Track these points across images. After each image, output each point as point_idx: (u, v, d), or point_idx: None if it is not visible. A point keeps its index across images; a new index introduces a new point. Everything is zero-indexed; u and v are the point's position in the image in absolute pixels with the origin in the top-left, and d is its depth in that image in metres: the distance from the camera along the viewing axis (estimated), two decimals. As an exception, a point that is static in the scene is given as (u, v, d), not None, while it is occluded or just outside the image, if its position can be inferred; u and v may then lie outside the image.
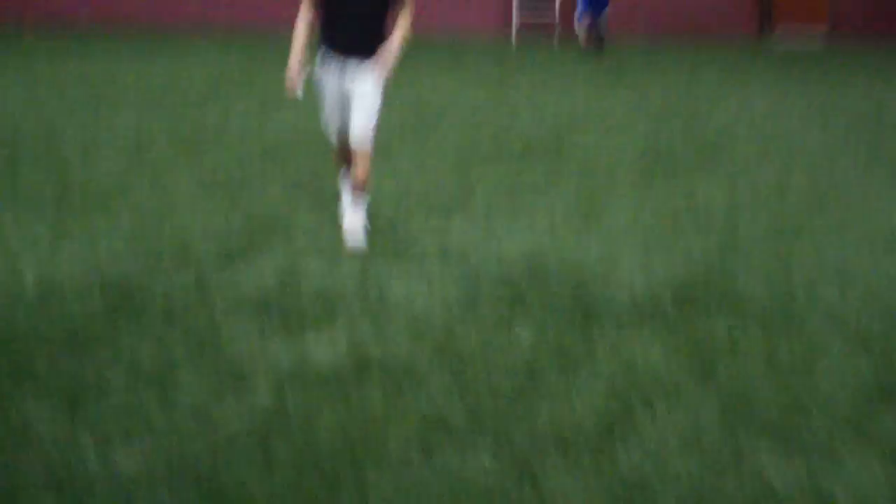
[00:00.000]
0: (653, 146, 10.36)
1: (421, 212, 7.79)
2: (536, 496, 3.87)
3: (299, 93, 6.99)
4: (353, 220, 7.11)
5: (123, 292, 6.05)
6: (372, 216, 7.55)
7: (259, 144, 10.07)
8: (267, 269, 6.48)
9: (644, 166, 9.49)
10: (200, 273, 6.40)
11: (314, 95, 7.61)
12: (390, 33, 7.03)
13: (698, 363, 5.19)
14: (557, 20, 20.57)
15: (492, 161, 9.51)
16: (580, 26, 18.91)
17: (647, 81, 14.91)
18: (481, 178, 8.85)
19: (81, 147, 9.81)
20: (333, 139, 7.28)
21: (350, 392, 4.77)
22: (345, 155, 7.23)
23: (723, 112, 12.38)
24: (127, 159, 9.35)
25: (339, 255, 6.82)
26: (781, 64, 17.08)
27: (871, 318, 5.85)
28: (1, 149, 9.66)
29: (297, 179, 8.76)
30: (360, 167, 7.04)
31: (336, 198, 7.78)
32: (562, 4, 20.45)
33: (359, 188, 7.11)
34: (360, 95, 6.96)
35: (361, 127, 6.97)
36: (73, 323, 5.60)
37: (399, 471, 4.03)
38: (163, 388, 4.77)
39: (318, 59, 7.02)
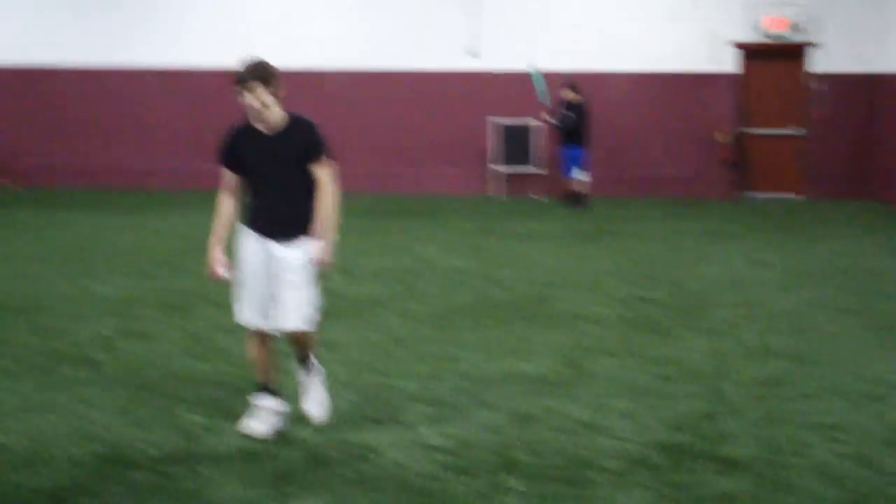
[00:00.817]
0: (637, 305, 10.48)
1: (407, 378, 7.84)
2: None
3: (224, 272, 6.43)
4: (315, 403, 6.78)
5: (111, 455, 6.09)
6: (357, 382, 7.59)
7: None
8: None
9: (629, 325, 9.59)
10: (189, 438, 6.42)
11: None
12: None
13: (692, 523, 5.21)
14: (539, 171, 20.94)
15: (475, 326, 9.59)
16: (569, 180, 19.45)
17: (630, 239, 15.12)
18: (465, 344, 8.92)
19: (68, 312, 9.86)
20: (250, 324, 6.51)
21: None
22: (262, 353, 6.58)
23: (705, 270, 12.55)
24: (114, 324, 9.39)
25: (329, 417, 6.83)
26: (759, 222, 17.36)
27: (860, 473, 5.89)
28: (-14, 315, 9.72)
29: (284, 342, 8.78)
30: (303, 345, 6.65)
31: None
32: (543, 155, 20.82)
33: (305, 357, 6.71)
34: (292, 282, 6.37)
35: (302, 315, 6.43)
36: (61, 482, 5.65)
37: None
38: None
39: (239, 237, 6.47)
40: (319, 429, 6.62)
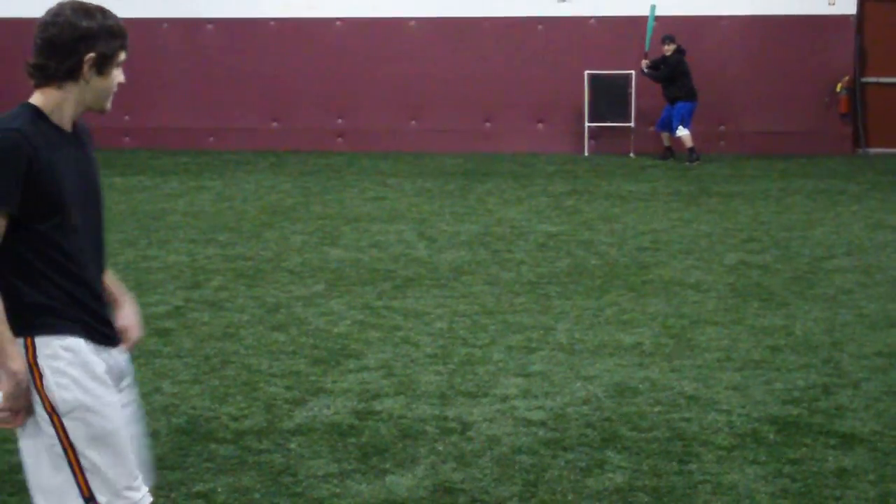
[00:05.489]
0: (744, 271, 10.63)
1: (500, 349, 8.09)
2: None
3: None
4: None
5: (193, 430, 6.40)
6: (446, 355, 7.88)
7: (321, 276, 10.44)
8: (341, 406, 6.80)
9: (736, 292, 9.75)
10: (272, 412, 6.73)
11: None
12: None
13: (807, 499, 5.41)
14: (633, 125, 20.98)
15: (571, 293, 9.81)
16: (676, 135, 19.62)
17: (734, 199, 15.21)
18: (561, 312, 9.15)
19: (135, 282, 10.23)
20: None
21: (441, 531, 5.05)
22: None
23: (818, 234, 12.64)
24: (184, 294, 9.75)
25: (417, 390, 7.11)
26: (878, 180, 17.32)
27: None
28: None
29: (364, 312, 9.09)
30: None
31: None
32: (637, 108, 20.86)
33: None
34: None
35: None
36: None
37: None
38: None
39: (60, 356, 3.85)
40: (410, 403, 6.90)
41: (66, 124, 3.90)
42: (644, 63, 19.80)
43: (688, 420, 6.58)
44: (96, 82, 3.87)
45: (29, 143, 3.74)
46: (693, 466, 5.89)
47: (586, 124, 21.23)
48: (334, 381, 7.32)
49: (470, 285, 10.13)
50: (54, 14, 3.83)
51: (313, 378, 7.40)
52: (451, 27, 21.59)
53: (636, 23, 20.45)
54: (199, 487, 5.59)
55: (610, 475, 5.78)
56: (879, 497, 5.46)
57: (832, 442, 6.21)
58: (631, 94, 20.94)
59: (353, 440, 6.26)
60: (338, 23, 21.83)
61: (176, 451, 6.10)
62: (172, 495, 5.51)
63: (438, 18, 21.62)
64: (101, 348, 3.93)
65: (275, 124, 22.25)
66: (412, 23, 21.66)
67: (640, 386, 7.22)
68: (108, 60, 3.86)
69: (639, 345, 8.19)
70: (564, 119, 21.60)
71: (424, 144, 21.34)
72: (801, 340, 8.29)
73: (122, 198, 15.68)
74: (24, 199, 3.73)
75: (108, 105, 3.96)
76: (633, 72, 20.69)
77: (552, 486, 5.65)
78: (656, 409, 6.78)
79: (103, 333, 3.95)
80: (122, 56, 3.92)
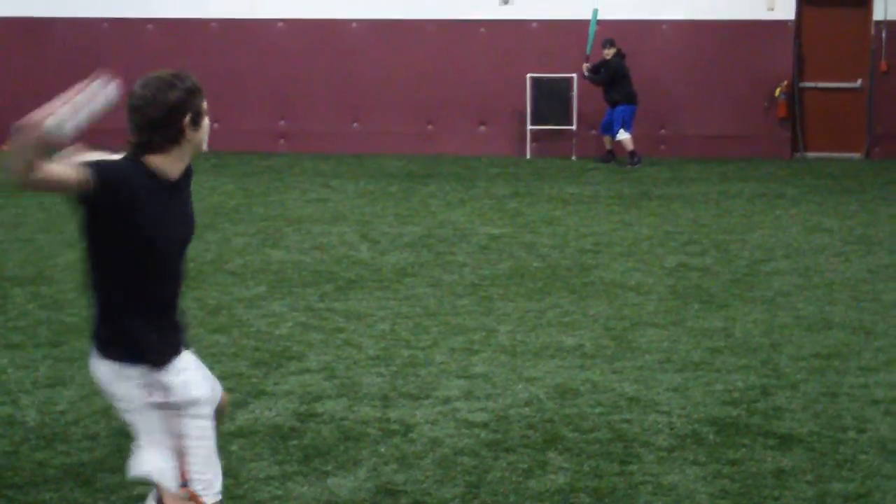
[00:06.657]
0: (684, 273, 10.70)
1: (442, 351, 8.11)
2: None
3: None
4: None
5: (131, 435, 6.34)
6: (388, 356, 7.89)
7: (263, 277, 10.41)
8: (283, 409, 6.78)
9: (676, 294, 9.82)
10: (214, 414, 6.69)
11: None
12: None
13: (746, 499, 5.46)
14: (575, 128, 21.07)
15: (513, 295, 9.84)
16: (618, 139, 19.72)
17: (674, 202, 15.31)
18: (504, 314, 9.18)
19: (75, 284, 10.15)
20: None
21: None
22: None
23: (757, 237, 12.75)
24: (124, 296, 9.66)
25: (359, 392, 7.11)
26: (815, 184, 17.49)
27: (925, 452, 6.13)
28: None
29: (306, 314, 9.07)
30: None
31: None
32: (579, 112, 20.94)
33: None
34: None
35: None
36: (82, 458, 5.95)
37: None
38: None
39: (134, 383, 4.34)
40: (352, 405, 6.89)
41: (174, 177, 4.34)
42: (585, 66, 19.89)
43: (629, 421, 6.63)
44: (194, 136, 4.31)
45: (133, 181, 4.17)
46: (634, 467, 5.93)
47: (528, 127, 21.29)
48: (276, 384, 7.30)
49: (412, 287, 10.14)
50: (143, 96, 4.27)
51: (255, 380, 7.38)
52: (393, 29, 21.58)
53: (578, 26, 20.52)
54: (139, 490, 5.55)
55: (552, 476, 5.81)
56: (817, 497, 5.52)
57: (770, 442, 6.27)
58: (573, 97, 21.04)
59: (294, 442, 6.25)
60: (280, 24, 21.76)
61: (115, 453, 6.05)
62: (112, 498, 5.48)
63: (380, 20, 21.61)
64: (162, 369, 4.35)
65: (216, 125, 22.05)
66: (354, 24, 21.63)
67: (582, 387, 7.26)
68: (199, 115, 4.31)
69: (580, 347, 8.24)
70: (507, 122, 21.64)
71: (367, 146, 21.32)
72: (740, 342, 8.36)
73: (63, 200, 15.52)
74: (119, 238, 4.19)
75: (206, 146, 4.43)
76: (574, 75, 20.77)
77: (494, 487, 5.67)
78: (597, 410, 6.82)
79: (164, 355, 4.37)
80: (206, 105, 4.37)
